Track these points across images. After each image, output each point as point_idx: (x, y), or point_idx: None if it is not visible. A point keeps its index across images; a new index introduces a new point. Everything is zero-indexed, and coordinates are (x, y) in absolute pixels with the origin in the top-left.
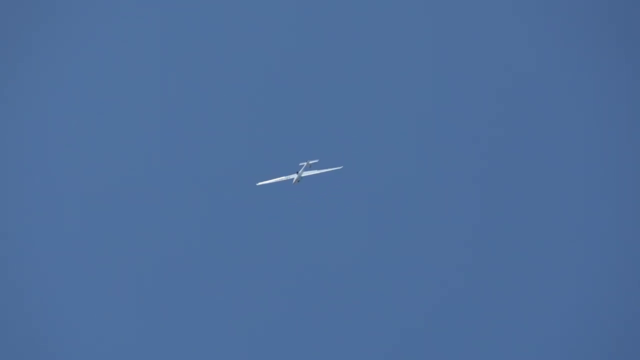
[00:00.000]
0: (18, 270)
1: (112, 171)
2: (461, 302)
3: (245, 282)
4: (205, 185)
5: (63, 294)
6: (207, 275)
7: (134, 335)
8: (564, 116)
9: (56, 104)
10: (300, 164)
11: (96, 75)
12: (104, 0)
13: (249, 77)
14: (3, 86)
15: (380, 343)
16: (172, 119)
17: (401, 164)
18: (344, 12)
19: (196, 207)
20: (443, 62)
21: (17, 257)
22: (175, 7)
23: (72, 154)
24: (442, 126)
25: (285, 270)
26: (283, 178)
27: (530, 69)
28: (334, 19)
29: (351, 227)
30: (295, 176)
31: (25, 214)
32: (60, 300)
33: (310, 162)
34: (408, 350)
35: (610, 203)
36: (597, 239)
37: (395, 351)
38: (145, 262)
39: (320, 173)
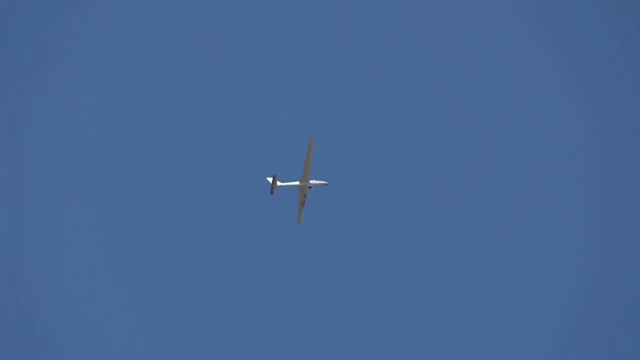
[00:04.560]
0: (18, 270)
1: (112, 171)
2: (459, 302)
3: (247, 283)
4: (204, 185)
5: (62, 294)
6: (205, 276)
7: (134, 335)
8: (562, 116)
9: (56, 103)
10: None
11: (97, 75)
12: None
13: (250, 78)
14: (3, 86)
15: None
16: (172, 119)
17: (400, 164)
18: (344, 12)
19: (196, 207)
20: (442, 62)
21: (17, 257)
22: (177, 7)
23: (72, 154)
24: (442, 126)
25: (286, 271)
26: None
27: (529, 68)
28: (335, 19)
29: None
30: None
31: (24, 214)
32: (60, 300)
33: (314, 183)
34: (406, 350)
35: (609, 203)
36: (596, 240)
37: (393, 353)
38: (145, 262)
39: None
